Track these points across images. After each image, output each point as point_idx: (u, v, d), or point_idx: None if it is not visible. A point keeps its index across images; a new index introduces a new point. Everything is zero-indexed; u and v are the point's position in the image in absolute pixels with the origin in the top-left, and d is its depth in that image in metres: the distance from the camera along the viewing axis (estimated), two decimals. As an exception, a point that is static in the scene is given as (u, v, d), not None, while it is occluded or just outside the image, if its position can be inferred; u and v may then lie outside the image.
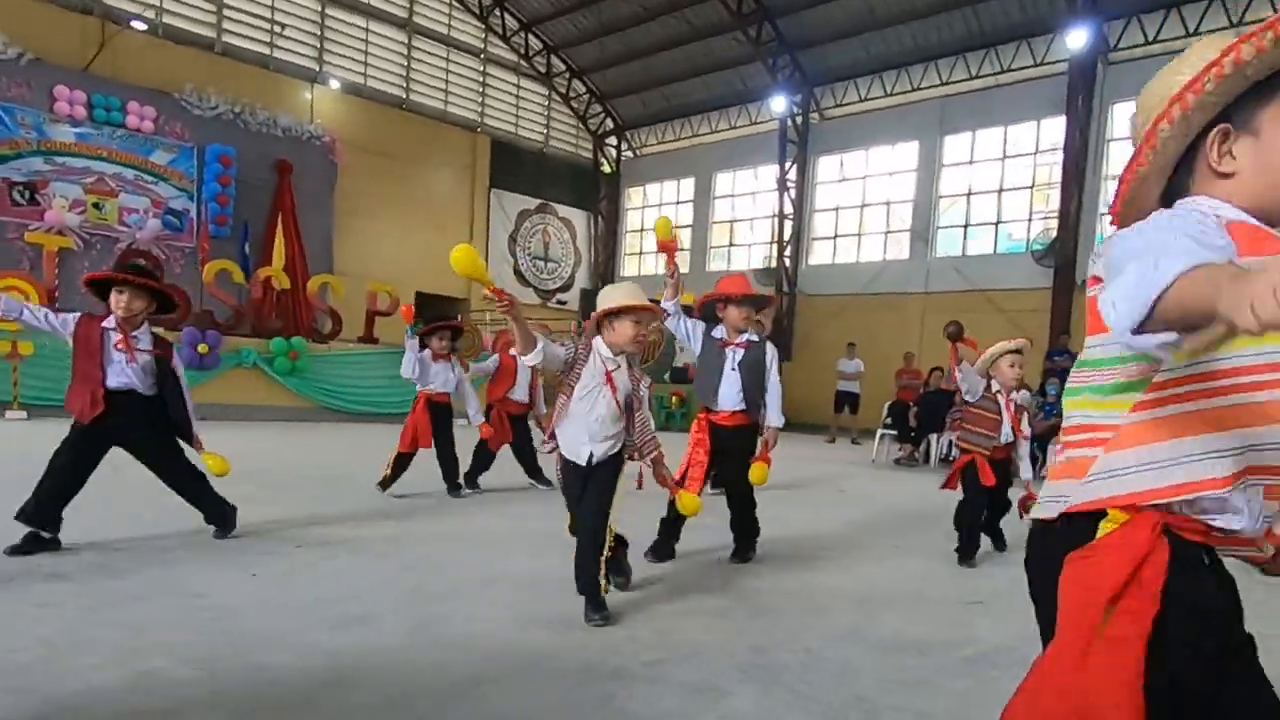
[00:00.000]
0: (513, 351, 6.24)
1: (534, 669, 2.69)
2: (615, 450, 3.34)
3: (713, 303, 4.44)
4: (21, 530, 3.73)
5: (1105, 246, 1.12)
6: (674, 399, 15.30)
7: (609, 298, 3.31)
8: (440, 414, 6.02)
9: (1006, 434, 4.71)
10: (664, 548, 4.36)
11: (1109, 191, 14.73)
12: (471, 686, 2.51)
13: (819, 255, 19.05)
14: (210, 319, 11.44)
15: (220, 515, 4.23)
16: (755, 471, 4.32)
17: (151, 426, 3.98)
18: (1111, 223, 1.33)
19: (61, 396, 8.73)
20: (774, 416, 4.44)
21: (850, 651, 3.06)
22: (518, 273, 21.37)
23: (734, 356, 4.37)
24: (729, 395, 4.34)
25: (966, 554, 4.73)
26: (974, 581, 4.40)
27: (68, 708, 2.22)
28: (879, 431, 11.39)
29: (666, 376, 16.31)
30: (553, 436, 3.38)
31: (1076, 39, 14.00)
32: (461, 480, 6.23)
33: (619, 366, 3.31)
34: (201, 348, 10.59)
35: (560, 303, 21.94)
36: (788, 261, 18.60)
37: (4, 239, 12.69)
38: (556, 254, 22.27)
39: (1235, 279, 0.79)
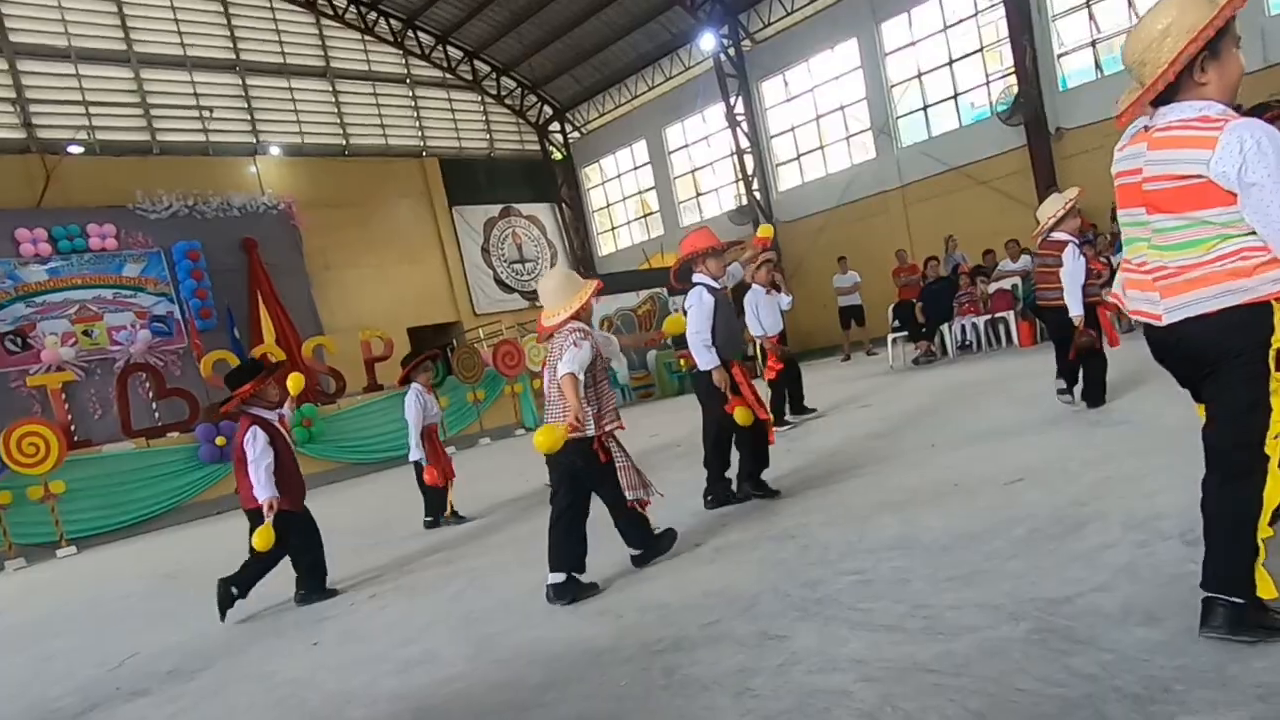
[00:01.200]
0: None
1: (596, 662, 2.73)
2: None
3: (689, 263, 4.55)
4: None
5: (1238, 159, 1.86)
6: (681, 362, 15.26)
7: (573, 292, 3.53)
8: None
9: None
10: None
11: (1060, 31, 14.43)
12: (540, 694, 2.57)
13: (788, 179, 18.84)
14: (220, 411, 11.55)
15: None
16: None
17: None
18: (1128, 114, 2.10)
19: (103, 524, 9.09)
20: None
21: (901, 562, 3.08)
22: (499, 282, 21.31)
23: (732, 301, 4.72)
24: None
25: (1097, 398, 5.21)
26: (1011, 461, 4.39)
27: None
28: (889, 336, 11.34)
29: (669, 342, 16.26)
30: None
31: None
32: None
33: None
34: (219, 440, 10.71)
35: (549, 299, 21.87)
36: (758, 195, 18.42)
37: (8, 389, 12.85)
38: (531, 253, 22.19)
39: None
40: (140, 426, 11.30)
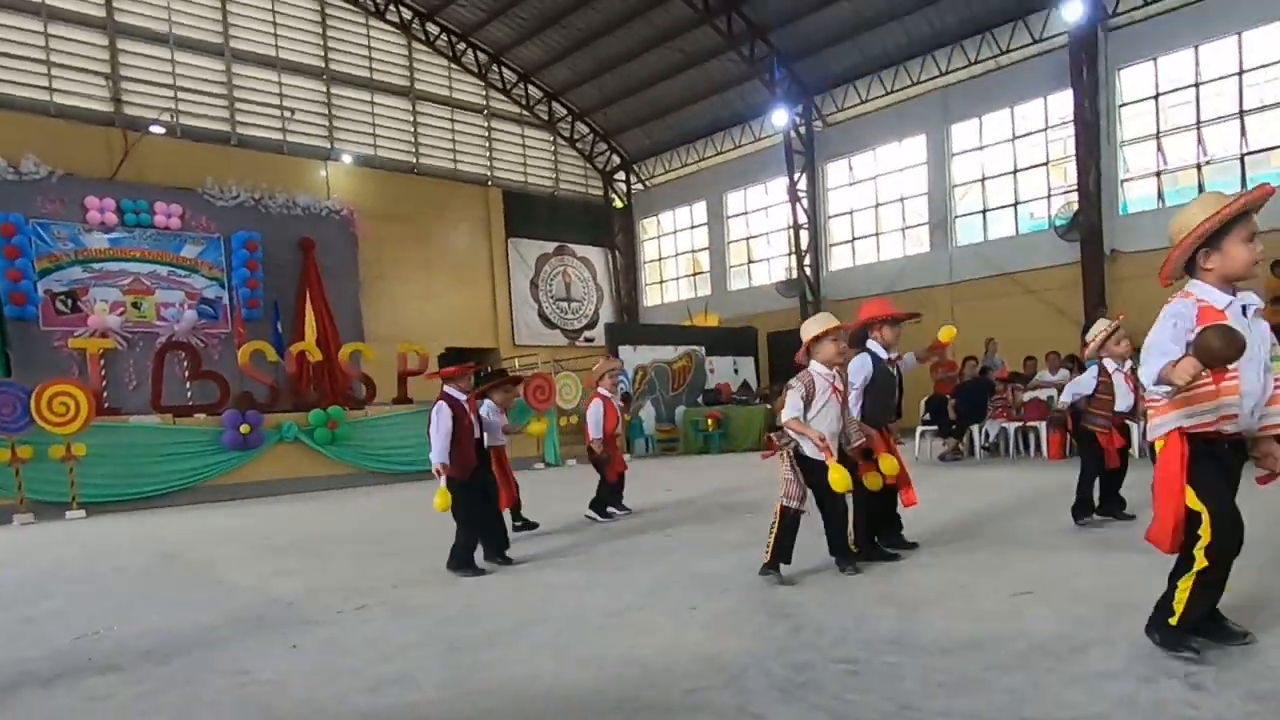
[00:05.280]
0: (601, 389, 6.90)
1: (574, 711, 2.67)
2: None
3: (864, 328, 4.84)
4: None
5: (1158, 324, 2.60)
6: (709, 421, 15.19)
7: (810, 329, 4.24)
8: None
9: (1126, 400, 5.33)
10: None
11: (1126, 157, 14.47)
12: (506, 735, 2.50)
13: (839, 260, 18.93)
14: (249, 400, 11.75)
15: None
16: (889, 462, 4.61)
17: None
18: (1162, 278, 2.73)
19: (116, 493, 9.38)
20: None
21: (895, 657, 2.98)
22: (542, 316, 21.58)
23: (897, 372, 4.88)
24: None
25: (1080, 513, 5.38)
26: (1022, 571, 4.28)
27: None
28: (919, 429, 11.18)
29: (699, 400, 16.24)
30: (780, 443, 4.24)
31: (1073, 11, 13.86)
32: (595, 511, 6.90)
33: (835, 377, 4.24)
34: (244, 428, 10.85)
35: (587, 340, 22.11)
36: (809, 270, 18.51)
37: (50, 347, 13.23)
38: (578, 293, 22.48)
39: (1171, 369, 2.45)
40: (170, 403, 11.50)
